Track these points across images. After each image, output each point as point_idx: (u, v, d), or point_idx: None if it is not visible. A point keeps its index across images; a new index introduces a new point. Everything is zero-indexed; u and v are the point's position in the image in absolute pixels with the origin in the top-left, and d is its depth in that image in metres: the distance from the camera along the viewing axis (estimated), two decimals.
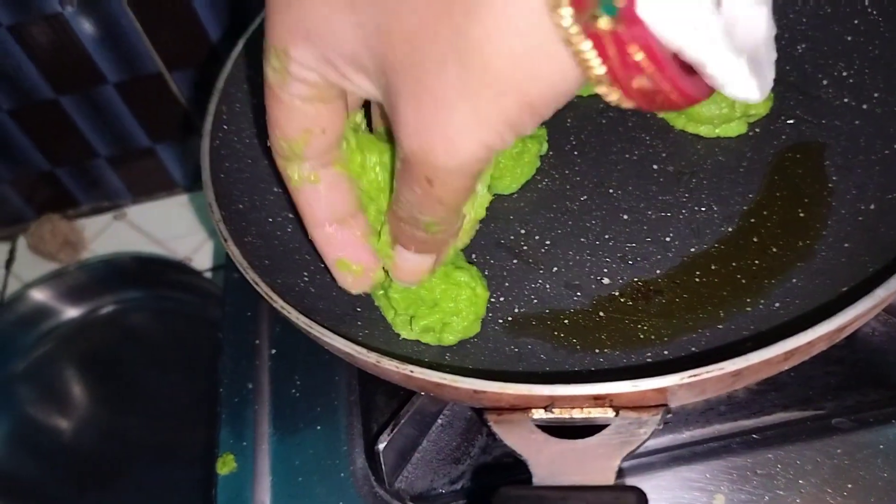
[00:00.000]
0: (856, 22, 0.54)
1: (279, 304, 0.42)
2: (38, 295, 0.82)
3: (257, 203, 0.53)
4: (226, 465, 0.52)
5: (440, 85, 0.30)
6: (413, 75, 0.30)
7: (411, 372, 0.38)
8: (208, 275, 0.88)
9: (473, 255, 0.52)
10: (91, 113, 0.89)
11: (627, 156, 0.55)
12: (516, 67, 0.28)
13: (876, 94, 0.52)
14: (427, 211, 0.36)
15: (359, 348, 0.39)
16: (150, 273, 0.83)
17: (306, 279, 0.51)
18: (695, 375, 0.35)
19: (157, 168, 0.96)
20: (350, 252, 0.43)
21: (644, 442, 0.36)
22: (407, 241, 0.40)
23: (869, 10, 0.54)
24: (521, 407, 0.38)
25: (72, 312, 0.83)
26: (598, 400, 0.36)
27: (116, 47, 0.83)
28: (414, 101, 0.31)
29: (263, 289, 0.43)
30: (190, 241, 0.95)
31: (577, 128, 0.57)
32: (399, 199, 0.37)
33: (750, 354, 0.35)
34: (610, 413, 0.37)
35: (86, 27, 0.80)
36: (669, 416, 0.37)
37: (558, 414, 0.37)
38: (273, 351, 0.57)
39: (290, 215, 0.55)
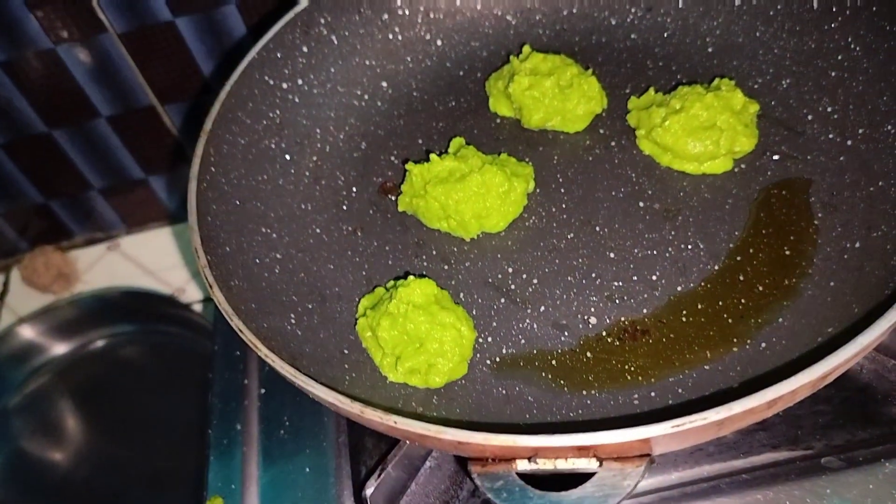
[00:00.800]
0: (839, 58, 0.55)
1: (263, 352, 0.42)
2: (29, 331, 0.82)
3: (244, 245, 0.53)
4: None
5: None
6: None
7: (395, 423, 0.38)
8: (199, 306, 0.88)
9: (461, 295, 0.52)
10: (84, 146, 0.89)
11: (614, 193, 0.55)
12: None
13: (860, 130, 0.52)
14: None
15: (342, 398, 0.39)
16: (140, 307, 0.83)
17: (293, 322, 0.51)
18: (678, 426, 0.35)
19: (151, 199, 0.97)
20: None
21: (628, 495, 0.36)
22: None
23: (852, 45, 0.54)
24: (505, 457, 0.37)
25: (63, 347, 0.83)
26: (581, 451, 0.36)
27: (109, 81, 0.83)
28: None
29: (248, 337, 0.43)
30: (183, 272, 0.95)
31: (563, 165, 0.57)
32: None
33: (733, 403, 0.35)
34: (594, 464, 0.36)
35: (78, 62, 0.81)
36: (653, 465, 0.37)
37: (542, 465, 0.37)
38: (262, 391, 0.57)
39: (278, 255, 0.55)
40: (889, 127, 0.50)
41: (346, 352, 0.50)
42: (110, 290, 0.86)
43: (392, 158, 0.61)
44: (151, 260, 0.97)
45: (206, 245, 0.49)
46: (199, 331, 0.79)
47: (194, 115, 0.88)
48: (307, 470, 0.52)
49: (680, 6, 0.62)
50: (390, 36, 0.65)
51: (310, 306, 0.52)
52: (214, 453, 0.54)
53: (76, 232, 0.99)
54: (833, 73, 0.55)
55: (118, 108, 0.86)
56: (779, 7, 0.58)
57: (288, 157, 0.60)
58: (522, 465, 0.37)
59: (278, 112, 0.60)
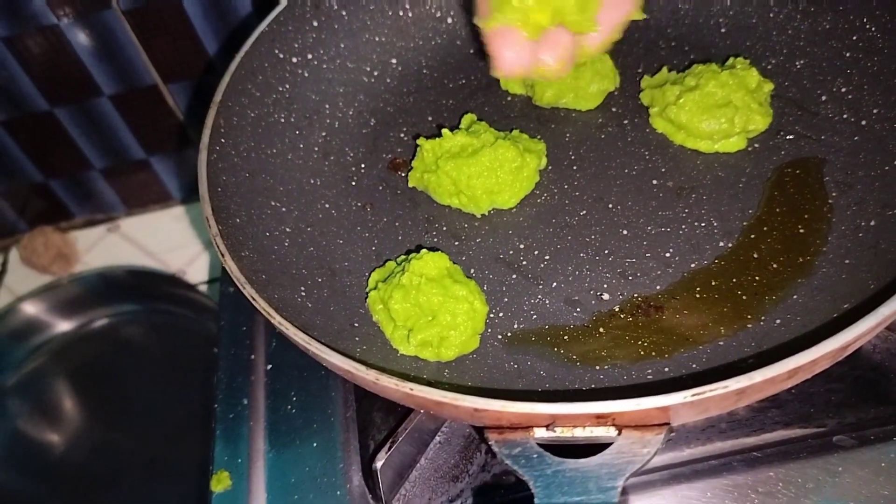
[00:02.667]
0: (854, 38, 0.54)
1: (276, 319, 0.42)
2: (31, 308, 0.81)
3: (255, 217, 0.52)
4: (220, 483, 0.52)
5: None
6: None
7: (411, 390, 0.37)
8: (203, 288, 0.87)
9: (472, 270, 0.52)
10: (86, 125, 0.88)
11: (627, 171, 0.54)
12: None
13: (875, 111, 0.52)
14: None
15: (357, 365, 0.39)
16: (143, 286, 0.82)
17: (303, 294, 0.50)
18: (698, 394, 0.34)
19: (152, 180, 0.96)
20: None
21: (647, 462, 0.35)
22: None
23: (867, 25, 0.54)
24: (522, 426, 0.37)
25: (64, 326, 0.83)
26: (600, 418, 0.36)
27: (112, 59, 0.82)
28: None
29: (261, 304, 0.42)
30: (184, 254, 0.94)
31: (575, 143, 0.57)
32: None
33: (754, 373, 0.35)
34: (612, 432, 0.36)
35: (81, 39, 0.80)
36: (672, 434, 0.37)
37: (560, 433, 0.36)
38: (269, 366, 0.57)
39: (288, 229, 0.54)
40: None
41: (356, 325, 0.50)
42: (114, 268, 0.85)
43: (401, 135, 0.61)
44: (152, 242, 0.96)
45: (217, 215, 0.48)
46: (202, 311, 0.78)
47: (198, 96, 0.88)
48: (314, 445, 0.52)
49: None
50: (400, 12, 0.64)
51: (320, 280, 0.52)
52: (221, 427, 0.54)
53: (76, 213, 0.99)
54: (847, 54, 0.55)
55: (121, 87, 0.85)
56: None
57: (297, 131, 0.59)
58: (540, 433, 0.37)
59: (288, 86, 0.59)
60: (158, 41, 0.82)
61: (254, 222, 0.52)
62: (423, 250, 0.49)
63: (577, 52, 0.47)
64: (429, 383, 0.44)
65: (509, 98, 0.61)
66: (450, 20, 0.65)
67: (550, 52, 0.45)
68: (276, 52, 0.59)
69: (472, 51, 0.64)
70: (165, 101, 0.88)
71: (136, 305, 0.82)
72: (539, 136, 0.57)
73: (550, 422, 0.36)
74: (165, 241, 0.96)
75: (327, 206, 0.57)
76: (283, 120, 0.59)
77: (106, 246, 0.97)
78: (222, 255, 0.45)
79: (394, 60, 0.64)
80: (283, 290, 0.49)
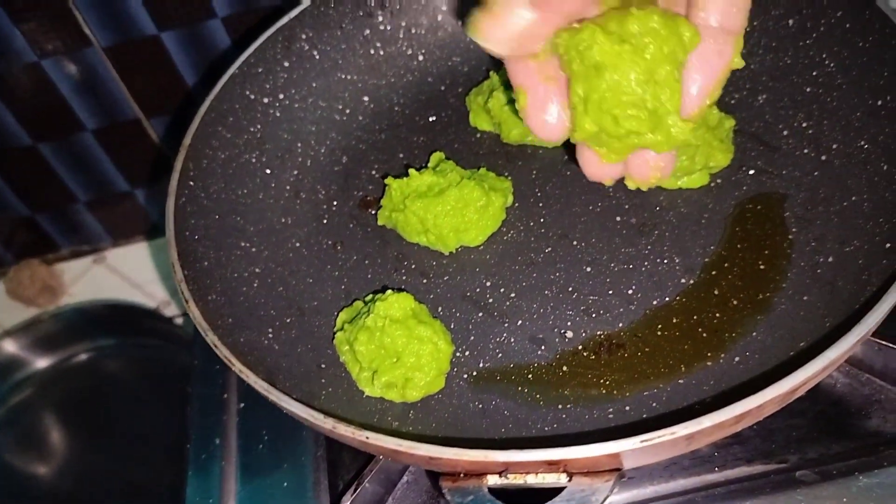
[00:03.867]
0: (814, 73, 0.55)
1: (237, 367, 0.42)
2: (11, 346, 0.82)
3: (223, 259, 0.53)
4: None
5: None
6: None
7: (367, 438, 0.38)
8: (182, 320, 0.88)
9: (440, 308, 0.52)
10: (69, 159, 0.89)
11: (591, 207, 0.55)
12: None
13: (835, 146, 0.53)
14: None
15: (315, 413, 0.39)
16: (123, 320, 0.83)
17: (271, 336, 0.51)
18: (646, 441, 0.35)
19: (136, 211, 0.97)
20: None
21: None
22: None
23: (826, 61, 0.55)
24: (476, 472, 0.38)
25: (45, 361, 0.83)
26: (551, 465, 0.36)
27: (94, 95, 0.83)
28: None
29: (223, 352, 0.43)
30: (169, 284, 0.95)
31: (542, 180, 0.57)
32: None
33: (701, 419, 0.35)
34: (563, 479, 0.37)
35: (63, 76, 0.81)
36: (625, 479, 0.37)
37: (513, 479, 0.37)
38: (241, 405, 0.57)
39: (257, 270, 0.55)
40: (862, 142, 0.51)
41: (323, 366, 0.50)
42: (93, 302, 0.86)
43: (373, 172, 0.61)
44: (137, 273, 0.97)
45: (184, 259, 0.49)
46: (182, 344, 0.79)
47: (180, 128, 0.88)
48: (285, 485, 0.52)
49: None
50: (372, 51, 0.65)
51: (288, 320, 0.52)
52: (193, 468, 0.54)
53: (62, 245, 0.99)
54: (808, 89, 0.55)
55: (103, 121, 0.86)
56: (755, 24, 0.58)
57: (268, 171, 0.60)
58: (493, 480, 0.37)
59: (259, 126, 0.60)
60: (139, 76, 0.83)
61: (222, 264, 0.53)
62: (389, 291, 0.50)
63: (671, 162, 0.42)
64: (389, 429, 0.45)
65: (478, 135, 0.62)
66: (421, 57, 0.66)
67: (638, 173, 0.42)
68: (247, 93, 0.60)
69: (442, 87, 0.65)
70: (148, 134, 0.89)
71: (115, 339, 0.82)
72: (506, 173, 0.58)
73: (503, 469, 0.37)
74: (151, 271, 0.97)
75: (297, 244, 0.58)
76: (254, 160, 0.59)
77: (92, 277, 0.98)
78: (186, 302, 0.46)
79: (366, 98, 0.65)
80: (249, 332, 0.50)
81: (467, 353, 0.50)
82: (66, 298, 0.96)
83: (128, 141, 0.89)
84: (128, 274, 0.97)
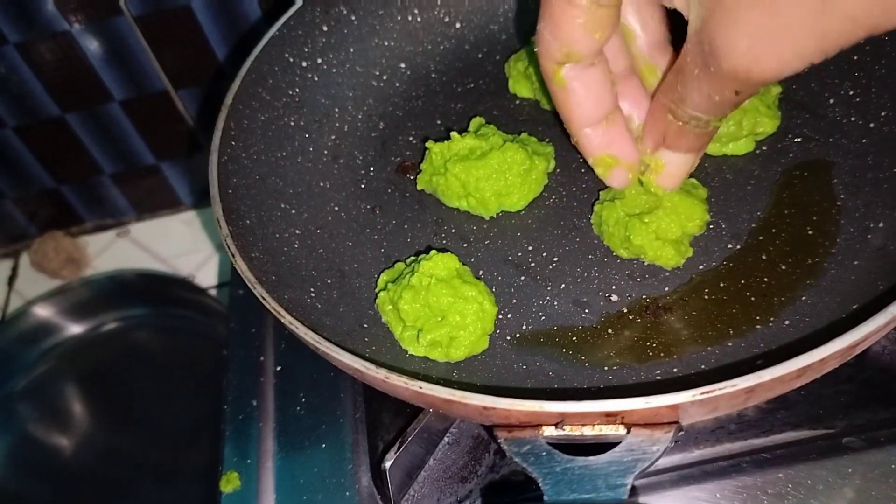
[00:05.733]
0: (862, 41, 0.54)
1: (286, 319, 0.42)
2: (41, 311, 0.82)
3: (264, 219, 0.53)
4: (230, 483, 0.52)
5: (792, 15, 0.33)
6: (758, 8, 0.34)
7: (420, 388, 0.37)
8: (212, 292, 0.87)
9: (481, 272, 0.52)
10: (96, 130, 0.89)
11: None
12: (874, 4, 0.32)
13: (883, 113, 0.52)
14: (719, 113, 0.41)
15: (368, 364, 0.39)
16: (154, 290, 0.83)
17: (313, 295, 0.50)
18: (707, 392, 0.35)
19: (162, 185, 0.97)
20: (617, 147, 0.48)
21: (656, 460, 0.35)
22: (681, 142, 0.45)
23: None
24: (531, 424, 0.37)
25: (74, 329, 0.83)
26: (609, 417, 0.36)
27: (123, 65, 0.83)
28: (751, 28, 0.35)
29: (272, 304, 0.43)
30: (193, 259, 0.95)
31: None
32: (687, 104, 0.42)
33: (762, 371, 0.35)
34: (622, 430, 0.36)
35: (92, 45, 0.81)
36: (681, 433, 0.37)
37: (569, 431, 0.36)
38: (278, 368, 0.57)
39: (297, 231, 0.55)
40: None
41: (365, 326, 0.50)
42: (124, 271, 0.86)
43: (410, 139, 0.61)
44: (161, 247, 0.97)
45: (228, 216, 0.49)
46: (213, 315, 0.78)
47: (208, 101, 0.89)
48: (323, 446, 0.52)
49: None
50: (409, 18, 0.65)
51: (329, 281, 0.52)
52: (230, 429, 0.54)
53: (86, 217, 0.99)
54: (855, 57, 0.55)
55: (131, 93, 0.86)
56: None
57: (307, 134, 0.60)
58: (549, 431, 0.37)
59: (297, 90, 0.60)
60: (169, 47, 0.82)
61: (264, 224, 0.53)
62: (433, 251, 0.50)
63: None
64: (438, 382, 0.45)
65: (517, 102, 0.61)
66: (458, 25, 0.65)
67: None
68: (287, 56, 0.59)
69: (479, 55, 0.65)
70: (176, 107, 0.88)
71: (146, 309, 0.82)
72: (548, 140, 0.58)
73: (559, 420, 0.36)
74: (175, 245, 0.97)
75: (336, 208, 0.57)
76: (292, 123, 0.59)
77: (116, 251, 0.98)
78: (233, 256, 0.46)
79: (403, 65, 0.65)
80: (292, 291, 0.49)
81: (510, 315, 0.50)
82: (90, 271, 0.96)
83: (155, 113, 0.88)
84: (152, 248, 0.97)
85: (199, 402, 0.78)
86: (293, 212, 0.55)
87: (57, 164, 0.93)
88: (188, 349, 0.80)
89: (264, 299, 0.43)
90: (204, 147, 0.92)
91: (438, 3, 0.65)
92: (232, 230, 0.48)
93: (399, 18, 0.64)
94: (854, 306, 0.44)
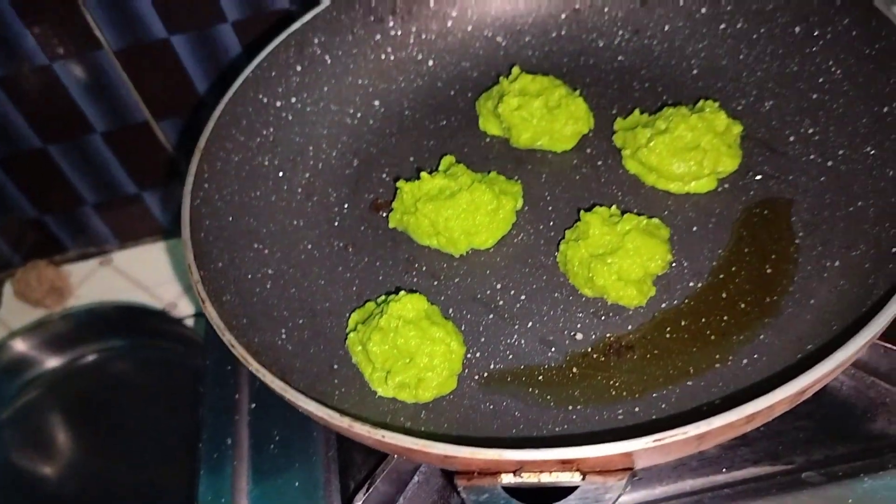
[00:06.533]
0: (820, 80, 0.56)
1: (254, 366, 0.43)
2: (21, 345, 0.82)
3: (237, 260, 0.54)
4: None
5: None
6: None
7: (382, 437, 0.38)
8: (191, 321, 0.88)
9: (450, 310, 0.53)
10: (78, 161, 0.90)
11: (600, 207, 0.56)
12: None
13: (840, 152, 0.53)
14: None
15: (332, 413, 0.40)
16: (132, 321, 0.83)
17: (284, 336, 0.51)
18: (659, 440, 0.36)
19: (144, 214, 0.97)
20: None
21: None
22: None
23: (833, 69, 0.55)
24: (490, 471, 0.38)
25: (55, 361, 0.84)
26: (565, 464, 0.37)
27: (104, 97, 0.84)
28: None
29: (239, 351, 0.44)
30: (175, 286, 0.95)
31: (551, 184, 0.58)
32: None
33: (712, 419, 0.36)
34: (577, 477, 0.37)
35: (73, 78, 0.81)
36: (636, 478, 0.38)
37: (527, 478, 0.37)
38: (252, 405, 0.58)
39: (270, 271, 0.55)
40: (868, 148, 0.52)
41: (335, 367, 0.51)
42: (102, 304, 0.86)
43: (384, 176, 0.62)
44: (144, 275, 0.98)
45: (199, 260, 0.50)
46: (191, 345, 0.79)
47: (189, 131, 0.89)
48: (296, 484, 0.53)
49: (666, 29, 0.63)
50: (383, 56, 0.66)
51: (300, 321, 0.53)
52: (205, 467, 0.55)
53: (69, 246, 1.00)
54: (814, 96, 0.56)
55: (112, 124, 0.87)
56: (762, 31, 0.59)
57: (281, 173, 0.61)
58: (507, 479, 0.38)
59: (272, 129, 0.61)
60: (149, 79, 0.83)
61: (236, 265, 0.54)
62: (402, 292, 0.51)
63: None
64: (403, 428, 0.46)
65: (488, 139, 0.62)
66: (431, 63, 0.67)
67: None
68: (260, 97, 0.60)
69: (452, 92, 0.66)
70: (157, 137, 0.89)
71: (124, 340, 0.83)
72: (516, 177, 0.59)
73: (517, 468, 0.37)
74: (157, 273, 0.97)
75: (309, 246, 0.58)
76: (266, 163, 0.60)
77: (99, 279, 0.99)
78: (203, 302, 0.46)
79: (376, 102, 0.66)
80: (263, 333, 0.50)
81: (478, 354, 0.51)
82: (73, 300, 0.96)
83: (136, 144, 0.89)
84: (134, 276, 0.98)
85: (179, 428, 0.78)
86: (266, 251, 0.56)
87: (40, 194, 0.93)
88: (166, 379, 0.81)
89: (233, 346, 0.44)
90: (185, 176, 0.93)
91: (411, 41, 0.66)
92: (203, 275, 0.49)
93: (373, 57, 0.66)
94: (809, 346, 0.46)
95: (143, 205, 0.96)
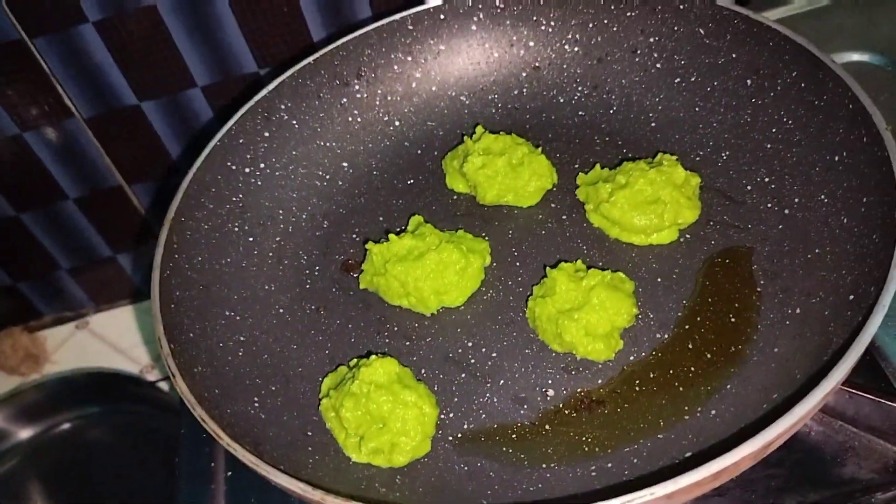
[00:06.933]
0: (773, 130, 0.58)
1: (225, 441, 0.43)
2: None
3: (208, 330, 0.54)
4: None
5: None
6: None
7: None
8: (167, 384, 0.88)
9: (423, 371, 0.53)
10: (52, 227, 0.90)
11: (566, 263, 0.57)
12: None
13: (796, 200, 0.55)
14: None
15: (303, 486, 0.40)
16: (106, 388, 0.83)
17: (257, 405, 0.51)
18: (627, 502, 0.36)
19: (119, 276, 0.97)
20: None
21: None
22: None
23: (785, 119, 0.57)
24: None
25: (30, 431, 0.83)
26: None
27: (76, 164, 0.85)
28: None
29: (211, 426, 0.44)
30: (153, 348, 0.95)
31: (518, 239, 0.59)
32: None
33: (678, 478, 0.36)
34: None
35: (45, 146, 0.82)
36: None
37: None
38: (229, 473, 0.57)
39: (242, 338, 0.56)
40: (822, 196, 0.53)
41: (309, 433, 0.51)
42: (76, 371, 0.86)
43: (354, 236, 0.63)
44: (120, 337, 0.97)
45: (170, 333, 0.50)
46: (167, 409, 0.79)
47: (162, 193, 0.90)
48: None
49: (623, 84, 0.65)
50: (349, 118, 0.67)
51: (273, 388, 0.53)
52: None
53: (44, 312, 0.99)
54: (768, 146, 0.58)
55: (85, 190, 0.87)
56: (715, 83, 0.61)
57: (251, 238, 0.61)
58: None
59: (241, 196, 0.62)
60: (121, 145, 0.84)
61: (207, 335, 0.54)
62: (373, 356, 0.51)
63: None
64: (377, 497, 0.46)
65: (455, 197, 0.63)
66: (397, 123, 0.68)
67: None
68: (229, 164, 0.61)
69: (419, 151, 0.67)
70: (130, 201, 0.90)
71: (99, 407, 0.82)
72: (484, 234, 0.60)
73: None
74: (134, 335, 0.97)
75: (281, 311, 0.58)
76: (237, 229, 0.61)
77: (75, 343, 0.98)
78: (173, 377, 0.47)
79: (345, 164, 0.67)
80: (236, 403, 0.50)
81: (452, 415, 0.51)
82: (49, 366, 0.96)
83: (110, 208, 0.90)
84: (111, 339, 0.97)
85: (155, 494, 0.78)
86: (238, 318, 0.57)
87: (13, 261, 0.93)
88: (142, 445, 0.80)
89: (204, 421, 0.44)
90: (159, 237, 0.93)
91: (377, 103, 0.68)
92: (174, 348, 0.49)
93: (340, 120, 0.67)
94: (775, 395, 0.46)
95: (118, 267, 0.96)
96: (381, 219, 0.63)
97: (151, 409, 0.81)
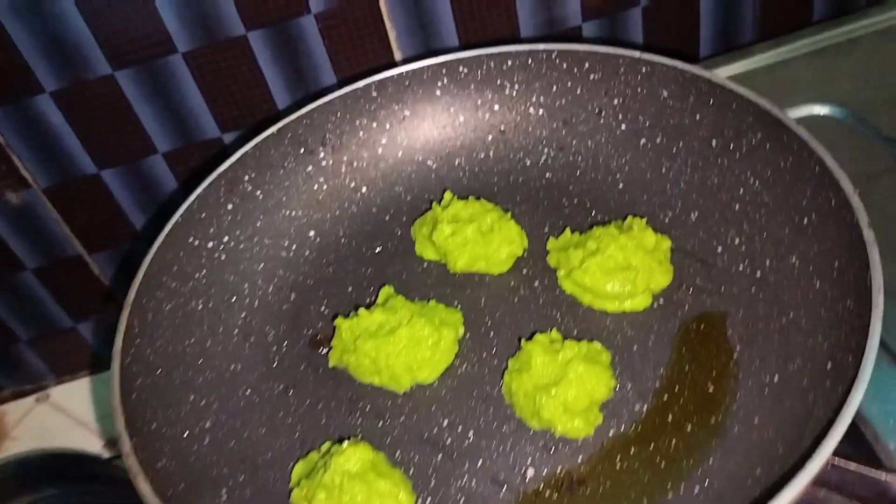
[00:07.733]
0: (741, 191, 0.58)
1: None
2: None
3: (172, 418, 0.52)
4: None
5: None
6: None
7: None
8: None
9: (397, 454, 0.52)
10: (10, 299, 0.87)
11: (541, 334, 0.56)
12: None
13: (768, 262, 0.55)
14: None
15: None
16: (66, 468, 0.79)
17: (224, 498, 0.49)
18: None
19: (80, 346, 0.94)
20: None
21: None
22: None
23: (751, 180, 0.57)
24: None
25: None
26: None
27: (34, 234, 0.82)
28: None
29: None
30: (118, 419, 0.91)
31: (491, 308, 0.58)
32: None
33: None
34: None
35: (2, 217, 0.80)
36: None
37: None
38: None
39: (208, 424, 0.53)
40: (793, 259, 0.53)
41: None
42: (33, 452, 0.82)
43: (322, 308, 0.61)
44: (83, 409, 0.94)
45: (131, 426, 0.48)
46: (129, 487, 0.75)
47: (124, 261, 0.88)
48: None
49: (590, 145, 0.65)
50: (315, 186, 0.66)
51: (241, 478, 0.51)
52: None
53: (3, 385, 0.96)
54: (737, 206, 0.58)
55: (44, 260, 0.85)
56: (680, 144, 0.61)
57: (216, 315, 0.59)
58: None
59: (205, 272, 0.60)
60: (80, 214, 0.82)
61: (171, 423, 0.52)
62: (346, 442, 0.49)
63: None
64: None
65: (425, 265, 0.62)
66: (364, 189, 0.67)
67: None
68: (191, 240, 0.60)
69: (387, 217, 0.66)
70: (90, 270, 0.87)
71: (59, 488, 0.78)
72: (456, 303, 0.59)
73: None
74: (97, 406, 0.94)
75: (248, 392, 0.56)
76: (200, 307, 0.59)
77: (36, 417, 0.94)
78: (135, 477, 0.44)
79: (311, 232, 0.65)
80: (202, 497, 0.48)
81: (429, 500, 0.49)
82: (9, 442, 0.92)
83: (70, 277, 0.87)
84: (73, 411, 0.94)
85: None
86: (203, 402, 0.54)
87: None
88: None
89: None
90: (121, 303, 0.90)
91: (343, 170, 0.67)
92: (136, 442, 0.47)
93: (305, 188, 0.66)
94: (758, 470, 0.45)
95: (78, 337, 0.93)
96: (350, 289, 0.62)
97: (113, 488, 0.77)
